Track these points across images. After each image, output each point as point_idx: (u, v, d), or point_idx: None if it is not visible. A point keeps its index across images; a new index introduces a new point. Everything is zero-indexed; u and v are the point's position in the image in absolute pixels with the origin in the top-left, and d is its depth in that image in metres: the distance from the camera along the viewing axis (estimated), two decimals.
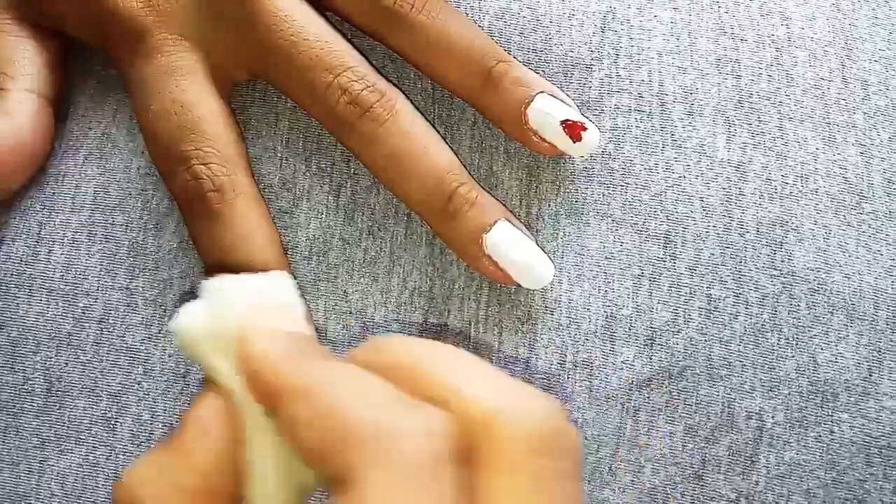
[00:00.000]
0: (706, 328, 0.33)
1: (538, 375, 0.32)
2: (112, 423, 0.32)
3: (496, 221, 0.32)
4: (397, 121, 0.32)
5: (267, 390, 0.23)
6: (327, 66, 0.32)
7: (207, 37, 0.32)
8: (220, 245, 0.32)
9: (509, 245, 0.31)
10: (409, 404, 0.21)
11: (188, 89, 0.32)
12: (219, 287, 0.25)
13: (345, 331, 0.33)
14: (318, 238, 0.33)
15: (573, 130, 0.32)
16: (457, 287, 0.33)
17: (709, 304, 0.33)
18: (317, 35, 0.32)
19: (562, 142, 0.32)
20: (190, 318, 0.25)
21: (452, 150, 0.32)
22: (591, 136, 0.32)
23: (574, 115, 0.32)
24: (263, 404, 0.23)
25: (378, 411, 0.21)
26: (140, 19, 0.32)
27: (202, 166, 0.31)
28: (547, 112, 0.32)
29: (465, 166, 0.33)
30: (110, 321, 0.33)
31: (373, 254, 0.33)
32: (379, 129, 0.32)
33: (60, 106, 0.35)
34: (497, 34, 0.34)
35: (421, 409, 0.21)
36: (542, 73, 0.34)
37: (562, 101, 0.32)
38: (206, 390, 0.25)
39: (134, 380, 0.33)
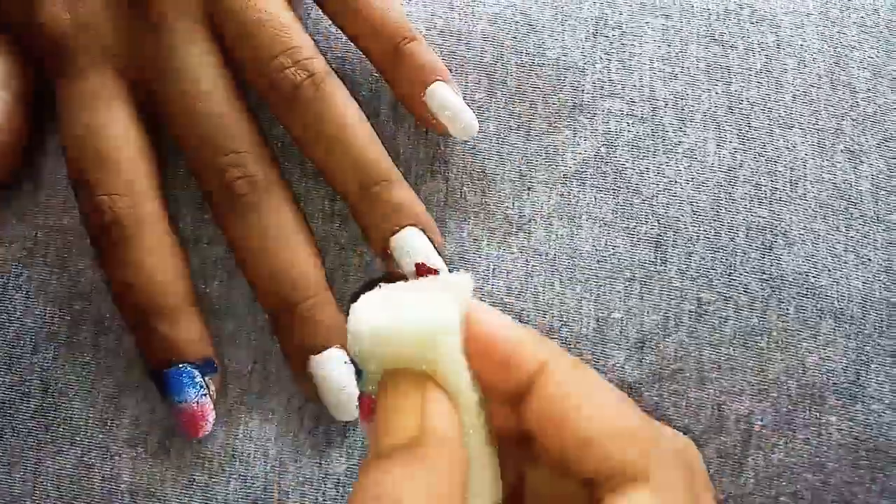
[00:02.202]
0: (696, 331, 0.33)
1: None
2: (108, 424, 0.32)
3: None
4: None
5: (523, 374, 0.22)
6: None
7: (134, 62, 0.32)
8: (119, 279, 0.31)
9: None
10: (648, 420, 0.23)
11: (104, 116, 0.32)
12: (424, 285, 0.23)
13: None
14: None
15: (426, 273, 0.32)
16: None
17: (699, 307, 0.33)
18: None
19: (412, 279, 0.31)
20: (395, 313, 0.22)
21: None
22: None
23: (430, 258, 0.32)
24: (507, 393, 0.22)
25: (637, 414, 0.23)
26: (66, 40, 0.32)
27: (105, 197, 0.31)
28: (406, 250, 0.32)
29: (457, 168, 0.33)
30: (106, 324, 0.33)
31: (368, 258, 0.33)
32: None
33: (49, 106, 0.35)
34: (491, 38, 0.35)
35: (657, 427, 0.23)
36: (535, 76, 0.34)
37: (430, 237, 0.32)
38: (400, 394, 0.22)
39: (131, 382, 0.33)
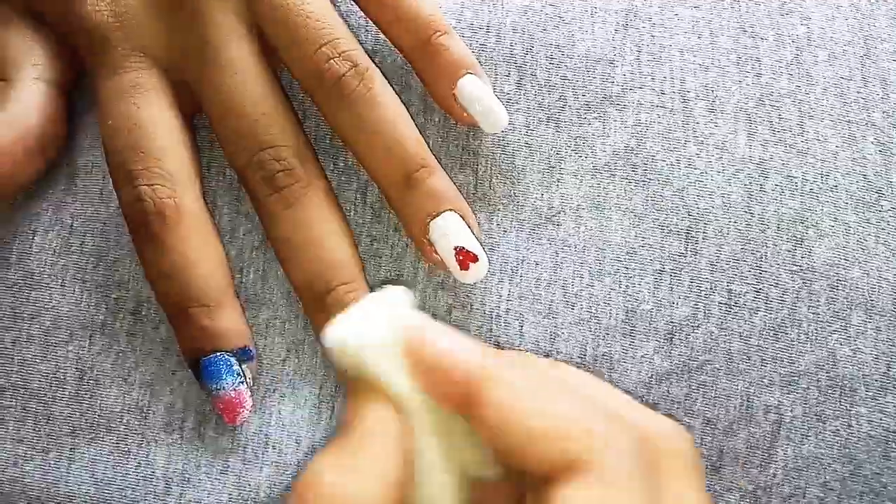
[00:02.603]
0: (726, 323, 0.33)
1: None
2: (144, 411, 0.33)
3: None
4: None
5: (463, 387, 0.24)
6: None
7: (173, 54, 0.33)
8: (159, 270, 0.32)
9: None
10: (604, 412, 0.24)
11: (144, 107, 0.32)
12: (373, 301, 0.25)
13: None
14: None
15: (464, 258, 0.32)
16: (479, 281, 0.33)
17: (729, 299, 0.33)
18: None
19: (451, 263, 0.32)
20: (352, 329, 0.24)
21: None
22: (479, 269, 0.32)
23: (469, 243, 0.32)
24: (453, 403, 0.24)
25: (586, 408, 0.24)
26: (105, 32, 0.32)
27: (146, 187, 0.31)
28: (445, 233, 0.32)
29: (486, 160, 0.33)
30: (143, 313, 0.33)
31: (399, 250, 0.34)
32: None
33: (85, 96, 0.35)
34: (520, 31, 0.35)
35: (616, 418, 0.24)
36: (564, 67, 0.34)
37: (468, 223, 0.32)
38: (358, 399, 0.24)
39: (168, 369, 0.33)
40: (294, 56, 0.32)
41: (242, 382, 0.32)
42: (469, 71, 0.33)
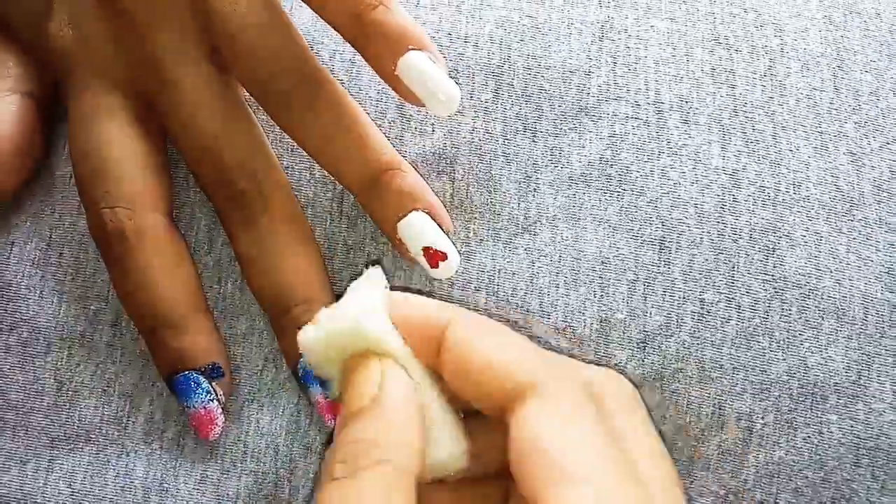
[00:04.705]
0: (698, 332, 0.33)
1: None
2: (123, 422, 0.33)
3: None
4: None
5: (433, 331, 0.27)
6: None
7: (133, 76, 0.33)
8: (125, 290, 0.32)
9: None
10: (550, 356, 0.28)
11: (104, 130, 0.32)
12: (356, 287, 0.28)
13: None
14: (322, 244, 0.34)
15: (433, 256, 0.32)
16: (455, 289, 0.33)
17: (702, 308, 0.33)
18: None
19: (421, 261, 0.32)
20: (350, 309, 0.27)
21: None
22: (450, 265, 0.32)
23: (437, 242, 0.32)
24: (428, 351, 0.27)
25: (533, 349, 0.27)
26: (69, 54, 0.33)
27: (107, 210, 0.31)
28: (413, 233, 0.32)
29: (463, 169, 0.34)
30: (122, 324, 0.34)
31: (374, 258, 0.34)
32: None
33: (62, 108, 0.35)
34: (497, 41, 0.35)
35: (561, 361, 0.28)
36: (541, 78, 0.35)
37: (438, 219, 0.32)
38: (362, 370, 0.26)
39: (147, 380, 0.33)
40: (246, 75, 0.32)
41: (213, 399, 0.32)
42: (412, 46, 0.31)
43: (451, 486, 0.28)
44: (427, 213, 0.32)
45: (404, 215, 0.32)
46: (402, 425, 0.25)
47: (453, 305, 0.28)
